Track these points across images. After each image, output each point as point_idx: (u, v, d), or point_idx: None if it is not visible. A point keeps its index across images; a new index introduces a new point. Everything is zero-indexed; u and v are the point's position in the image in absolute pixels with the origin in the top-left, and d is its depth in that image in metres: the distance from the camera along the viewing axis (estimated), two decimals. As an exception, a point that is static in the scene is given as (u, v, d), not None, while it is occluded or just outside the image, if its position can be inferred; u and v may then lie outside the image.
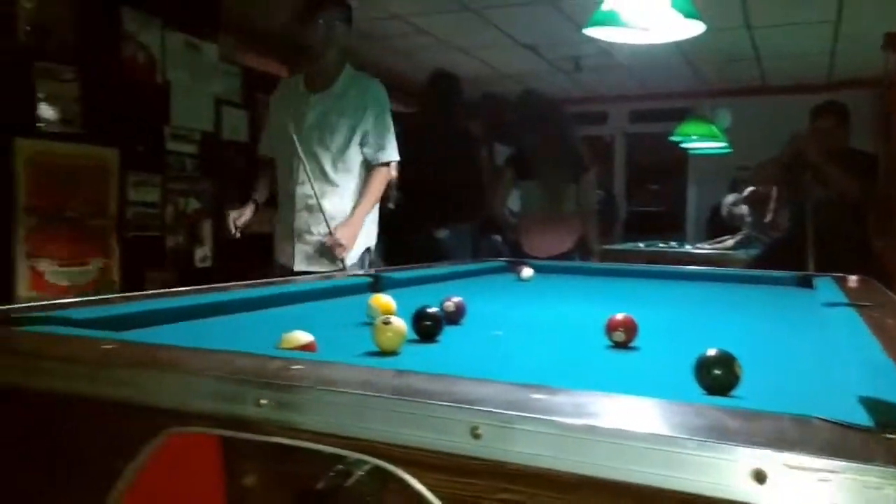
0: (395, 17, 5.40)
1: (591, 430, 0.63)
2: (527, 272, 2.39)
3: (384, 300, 1.44)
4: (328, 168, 2.73)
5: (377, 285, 2.01)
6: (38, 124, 2.98)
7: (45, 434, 0.93)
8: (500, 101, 6.73)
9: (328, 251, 2.66)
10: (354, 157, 2.76)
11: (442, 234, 4.01)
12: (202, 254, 3.87)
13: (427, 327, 1.22)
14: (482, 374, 0.79)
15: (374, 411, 0.71)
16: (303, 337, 1.01)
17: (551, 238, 4.01)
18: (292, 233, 2.77)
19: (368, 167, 2.78)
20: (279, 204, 2.86)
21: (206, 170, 3.88)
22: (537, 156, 4.07)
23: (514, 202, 4.35)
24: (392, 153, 2.82)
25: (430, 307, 1.25)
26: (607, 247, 5.44)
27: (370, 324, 1.39)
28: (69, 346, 0.94)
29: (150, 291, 1.56)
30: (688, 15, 2.12)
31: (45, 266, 2.99)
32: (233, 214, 2.81)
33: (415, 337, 1.20)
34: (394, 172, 3.09)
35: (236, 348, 0.95)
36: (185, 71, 3.69)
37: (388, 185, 5.30)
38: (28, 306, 1.22)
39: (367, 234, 2.84)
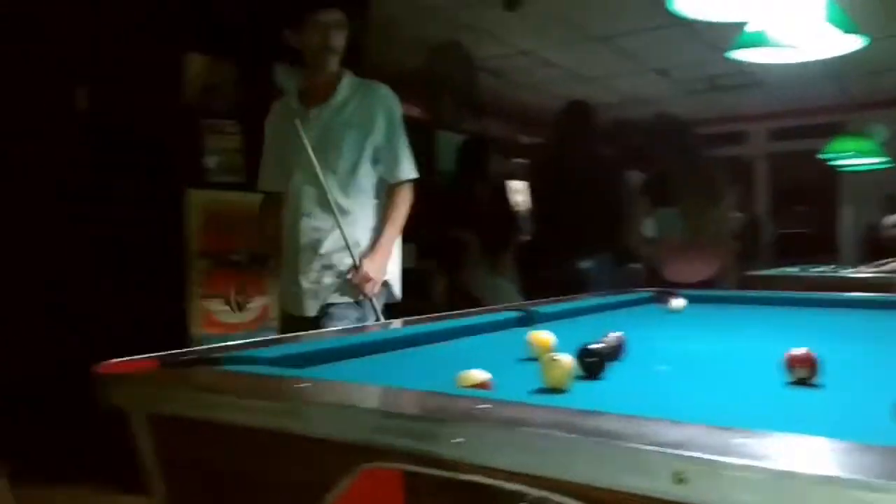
0: (522, 52, 5.49)
1: (805, 476, 0.61)
2: (677, 303, 2.32)
3: (543, 336, 1.45)
4: (336, 192, 2.32)
5: (527, 320, 2.03)
6: (206, 176, 3.27)
7: (247, 468, 1.01)
8: (632, 127, 6.63)
9: (354, 288, 2.29)
10: (366, 177, 2.37)
11: (586, 264, 3.98)
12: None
13: (593, 364, 1.21)
14: (658, 413, 0.78)
15: (567, 452, 0.72)
16: (479, 375, 1.04)
17: (692, 265, 3.88)
18: (297, 274, 2.38)
19: (385, 189, 2.40)
20: (284, 244, 2.46)
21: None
22: (673, 181, 3.97)
23: (647, 229, 4.26)
24: (411, 169, 2.42)
25: (592, 343, 1.25)
26: (753, 273, 5.17)
27: (530, 360, 1.41)
28: (268, 386, 1.02)
29: (313, 332, 1.65)
30: (847, 30, 2.01)
31: (215, 306, 3.25)
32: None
33: (580, 373, 1.20)
34: (408, 194, 2.49)
35: (412, 386, 1.00)
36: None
37: (521, 216, 5.35)
38: (219, 347, 1.33)
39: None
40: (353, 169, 2.34)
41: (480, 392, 0.98)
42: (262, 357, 1.21)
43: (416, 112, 5.31)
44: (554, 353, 1.13)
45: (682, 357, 1.49)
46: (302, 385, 0.97)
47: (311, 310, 2.35)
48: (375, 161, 2.37)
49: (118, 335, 3.03)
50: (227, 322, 3.24)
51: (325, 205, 2.29)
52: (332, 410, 0.88)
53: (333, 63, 2.36)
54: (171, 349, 1.25)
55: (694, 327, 2.02)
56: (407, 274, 4.55)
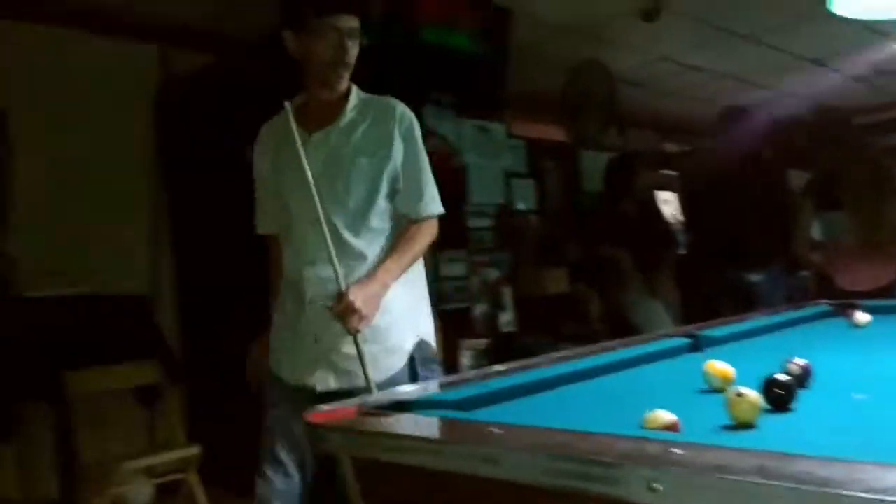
0: (663, 59, 5.37)
1: None
2: (862, 317, 2.17)
3: (720, 367, 1.42)
4: (346, 233, 1.90)
5: (697, 345, 1.98)
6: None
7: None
8: (791, 124, 6.27)
9: (339, 320, 1.81)
10: (382, 212, 1.95)
11: (756, 277, 3.79)
12: (506, 319, 4.13)
13: (781, 396, 1.17)
14: (864, 452, 0.75)
15: (772, 500, 0.71)
16: (667, 417, 1.04)
17: (869, 270, 3.60)
18: (301, 335, 1.95)
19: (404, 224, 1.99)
20: (281, 294, 2.05)
21: (502, 240, 4.17)
22: (840, 178, 3.71)
23: (814, 233, 4.00)
24: (436, 203, 2.02)
25: (778, 374, 1.21)
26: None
27: (708, 392, 1.39)
28: (460, 431, 1.09)
29: (482, 371, 1.67)
30: None
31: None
32: (252, 359, 2.08)
33: (766, 406, 1.16)
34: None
35: (595, 426, 1.02)
36: (477, 152, 4.05)
37: (674, 230, 5.18)
38: (407, 391, 1.42)
39: (415, 318, 2.03)
40: (367, 203, 1.93)
41: (670, 434, 0.99)
42: (447, 401, 1.28)
43: (558, 134, 5.34)
44: (738, 388, 1.11)
45: (878, 382, 1.40)
46: (493, 431, 1.03)
47: (323, 381, 1.92)
48: (393, 193, 1.97)
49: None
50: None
51: (337, 248, 1.84)
52: (527, 456, 0.93)
53: (345, 80, 1.97)
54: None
55: (885, 345, 1.87)
56: (561, 299, 4.58)
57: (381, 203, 1.95)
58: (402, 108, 2.00)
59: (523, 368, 1.65)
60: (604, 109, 5.22)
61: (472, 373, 1.69)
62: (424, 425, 1.13)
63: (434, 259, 3.72)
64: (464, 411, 1.26)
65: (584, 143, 5.24)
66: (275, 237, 2.11)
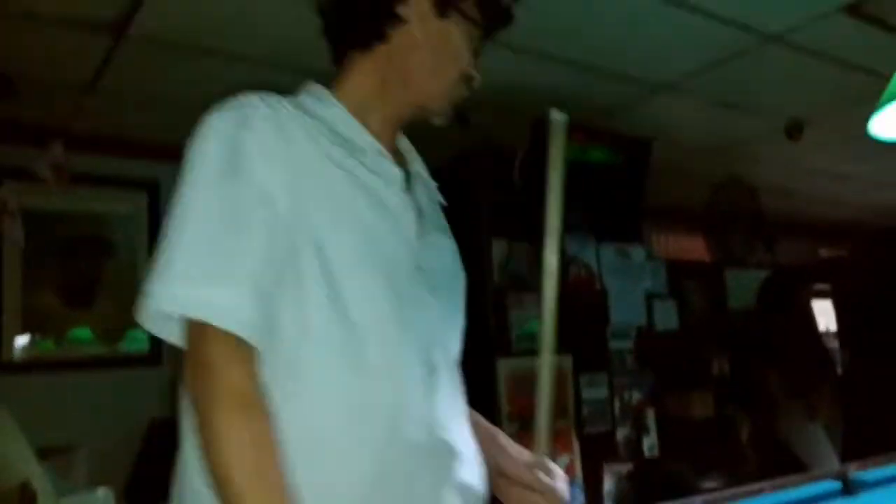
0: (812, 172, 5.26)
1: None
2: None
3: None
4: (457, 377, 1.18)
5: (848, 489, 1.91)
6: (512, 346, 3.64)
7: None
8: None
9: None
10: None
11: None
12: (649, 443, 4.06)
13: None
14: None
15: None
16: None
17: None
18: None
19: None
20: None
21: (643, 361, 4.16)
22: None
23: None
24: None
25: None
26: None
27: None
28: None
29: None
30: None
31: (527, 463, 3.49)
32: None
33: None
34: None
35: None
36: (617, 276, 4.15)
37: (828, 352, 4.85)
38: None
39: None
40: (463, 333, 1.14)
41: None
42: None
43: (698, 252, 5.30)
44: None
45: None
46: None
47: None
48: None
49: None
50: (537, 479, 3.46)
51: (453, 404, 1.11)
52: None
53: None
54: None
55: None
56: (707, 422, 4.41)
57: None
58: None
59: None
60: (749, 227, 5.15)
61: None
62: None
63: (575, 382, 3.79)
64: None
65: (730, 262, 5.17)
66: (244, 347, 0.96)
